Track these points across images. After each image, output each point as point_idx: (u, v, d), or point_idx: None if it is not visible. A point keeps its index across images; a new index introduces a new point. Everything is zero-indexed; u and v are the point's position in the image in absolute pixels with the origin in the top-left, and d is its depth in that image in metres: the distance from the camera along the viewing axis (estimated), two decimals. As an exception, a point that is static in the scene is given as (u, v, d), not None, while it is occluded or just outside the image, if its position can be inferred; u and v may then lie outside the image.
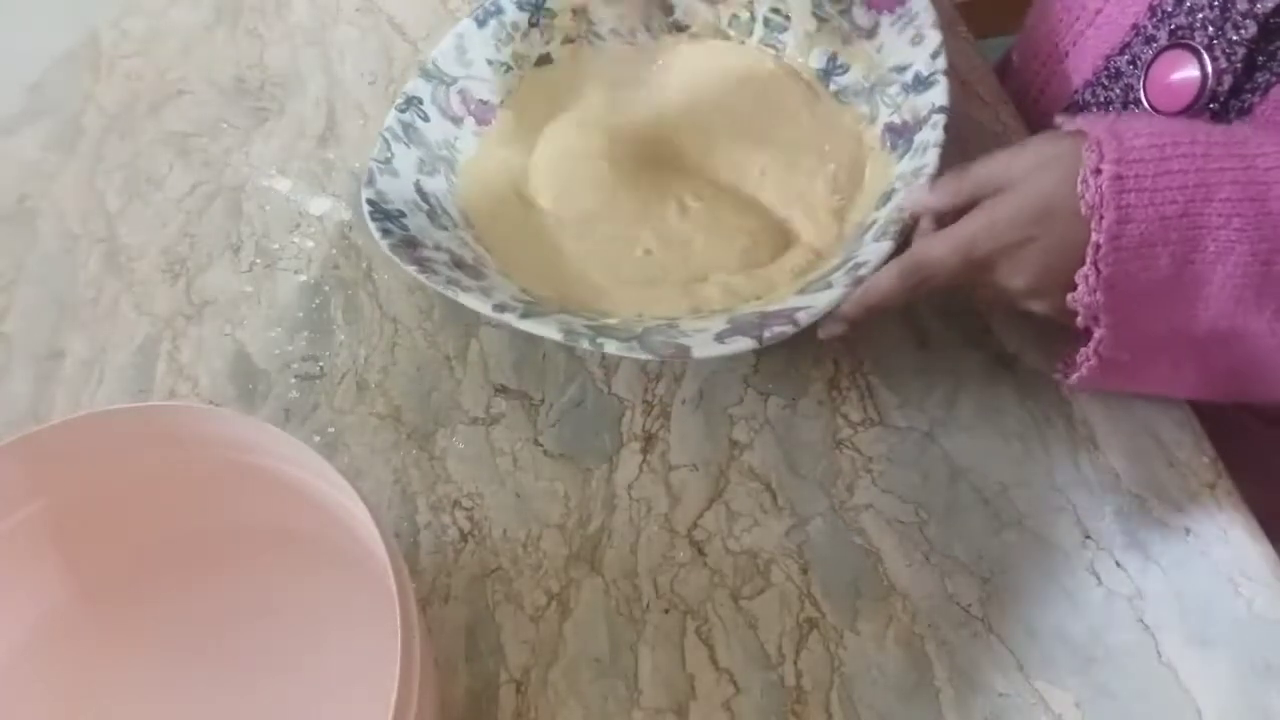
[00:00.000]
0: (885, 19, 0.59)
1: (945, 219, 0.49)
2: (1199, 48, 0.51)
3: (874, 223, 0.53)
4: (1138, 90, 0.55)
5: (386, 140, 0.60)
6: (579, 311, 0.54)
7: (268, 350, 0.58)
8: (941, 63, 0.56)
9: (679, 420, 0.54)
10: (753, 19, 0.65)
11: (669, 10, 0.66)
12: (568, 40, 0.66)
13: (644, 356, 0.49)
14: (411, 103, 0.62)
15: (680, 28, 0.66)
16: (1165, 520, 0.49)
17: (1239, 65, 0.50)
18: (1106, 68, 0.58)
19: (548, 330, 0.50)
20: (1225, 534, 0.48)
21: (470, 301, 0.51)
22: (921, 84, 0.56)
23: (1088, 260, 0.44)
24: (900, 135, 0.57)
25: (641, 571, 0.49)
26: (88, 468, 0.43)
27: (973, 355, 0.55)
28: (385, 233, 0.55)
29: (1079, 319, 0.46)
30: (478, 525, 0.51)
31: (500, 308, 0.51)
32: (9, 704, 0.45)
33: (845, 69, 0.62)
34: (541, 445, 0.54)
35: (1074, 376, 0.48)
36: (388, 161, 0.59)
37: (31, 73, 0.74)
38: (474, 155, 0.63)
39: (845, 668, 0.46)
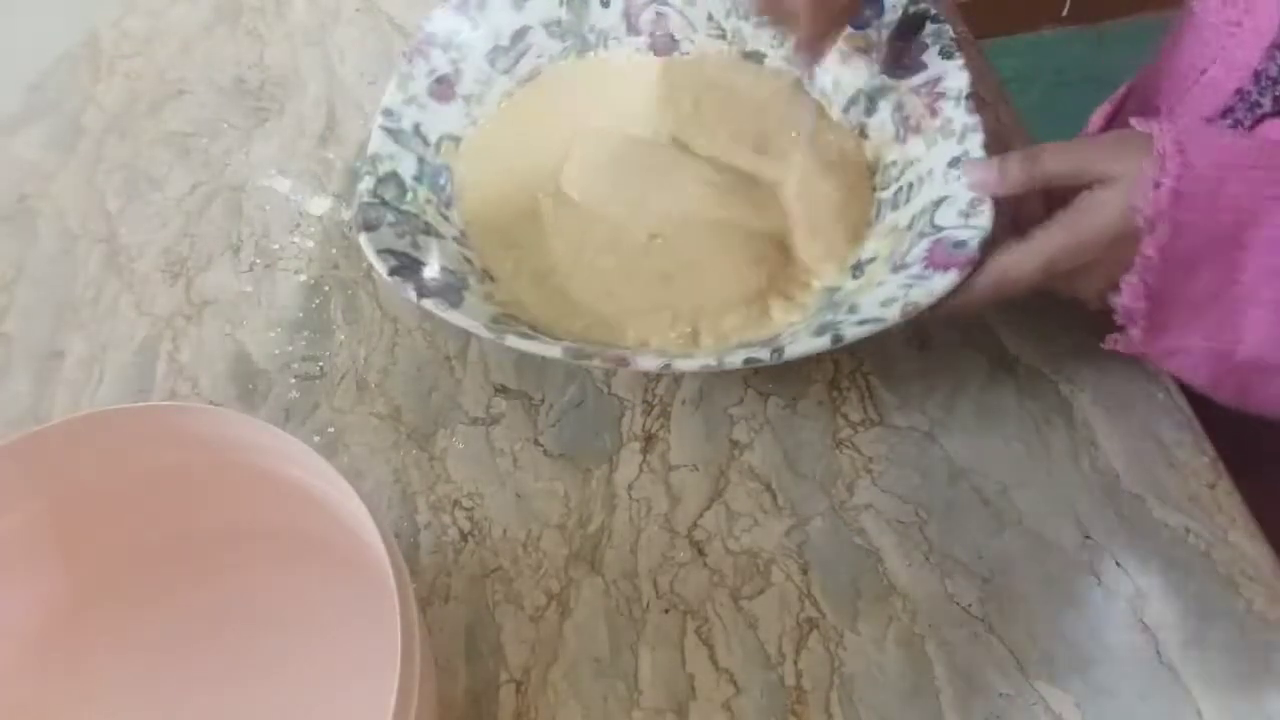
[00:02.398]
0: (922, 269, 0.50)
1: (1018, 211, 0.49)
2: None
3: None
4: None
5: None
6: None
7: (268, 350, 0.58)
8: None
9: (679, 420, 0.54)
10: (898, 181, 0.57)
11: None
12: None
13: (459, 321, 0.50)
14: None
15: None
16: (1165, 520, 0.49)
17: None
18: None
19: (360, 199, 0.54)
20: (1225, 534, 0.48)
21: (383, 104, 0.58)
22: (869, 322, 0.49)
23: (1136, 268, 0.44)
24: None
25: (641, 571, 0.49)
26: (88, 468, 0.43)
27: (973, 356, 0.55)
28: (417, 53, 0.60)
29: (1116, 318, 0.47)
30: (478, 525, 0.51)
31: (369, 161, 0.56)
32: (9, 704, 0.45)
33: (872, 260, 0.55)
34: (541, 445, 0.54)
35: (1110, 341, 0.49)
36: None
37: (31, 73, 0.74)
38: (608, 60, 0.64)
39: (845, 668, 0.46)
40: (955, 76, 0.56)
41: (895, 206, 0.56)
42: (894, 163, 0.58)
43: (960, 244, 0.49)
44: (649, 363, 0.49)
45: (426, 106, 0.60)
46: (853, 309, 0.51)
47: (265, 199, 0.66)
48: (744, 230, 0.57)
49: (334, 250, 0.63)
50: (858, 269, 0.55)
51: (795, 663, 0.46)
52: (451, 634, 0.48)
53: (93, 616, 0.47)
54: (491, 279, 0.56)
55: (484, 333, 0.49)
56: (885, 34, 0.60)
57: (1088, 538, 0.49)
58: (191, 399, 0.57)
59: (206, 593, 0.48)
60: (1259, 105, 0.53)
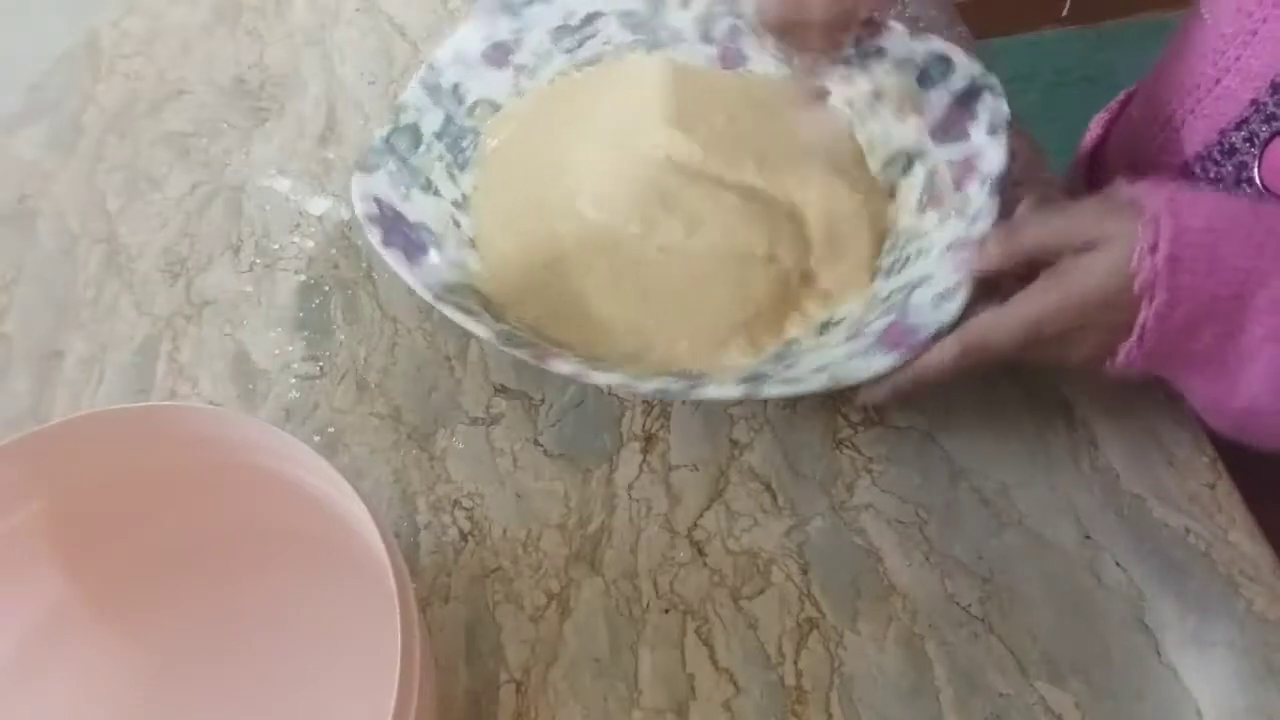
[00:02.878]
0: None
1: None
2: None
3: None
4: (1251, 170, 0.52)
5: None
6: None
7: (268, 350, 0.58)
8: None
9: (679, 420, 0.54)
10: (899, 251, 0.56)
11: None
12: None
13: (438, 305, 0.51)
14: None
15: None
16: (1165, 520, 0.49)
17: None
18: (1220, 142, 0.55)
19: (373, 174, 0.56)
20: (1225, 534, 0.48)
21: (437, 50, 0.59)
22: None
23: (1134, 335, 0.43)
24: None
25: (641, 571, 0.49)
26: (88, 468, 0.43)
27: (973, 355, 0.55)
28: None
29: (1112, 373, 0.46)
30: (478, 525, 0.51)
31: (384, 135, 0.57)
32: (9, 704, 0.45)
33: (840, 323, 0.54)
34: (541, 445, 0.54)
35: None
36: None
37: (31, 73, 0.74)
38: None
39: (845, 668, 0.46)
40: (992, 157, 0.54)
41: (887, 275, 0.55)
42: (905, 230, 0.57)
43: (913, 329, 0.49)
44: (564, 366, 0.49)
45: (473, 68, 0.60)
46: (790, 365, 0.51)
47: (265, 199, 0.66)
48: (749, 264, 0.55)
49: (334, 250, 0.63)
50: (824, 328, 0.54)
51: (795, 663, 0.46)
52: (451, 634, 0.48)
53: (92, 616, 0.47)
54: (473, 248, 0.56)
55: (425, 295, 0.50)
56: (944, 96, 0.58)
57: (1088, 538, 0.49)
58: (191, 399, 0.57)
59: (206, 593, 0.48)
60: (1275, 117, 0.52)
